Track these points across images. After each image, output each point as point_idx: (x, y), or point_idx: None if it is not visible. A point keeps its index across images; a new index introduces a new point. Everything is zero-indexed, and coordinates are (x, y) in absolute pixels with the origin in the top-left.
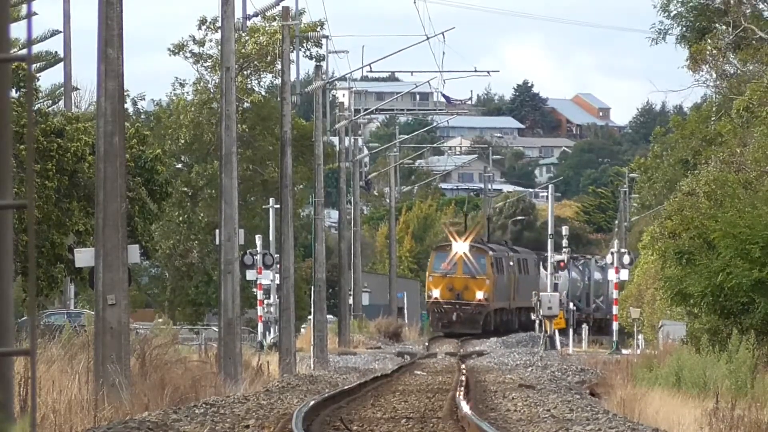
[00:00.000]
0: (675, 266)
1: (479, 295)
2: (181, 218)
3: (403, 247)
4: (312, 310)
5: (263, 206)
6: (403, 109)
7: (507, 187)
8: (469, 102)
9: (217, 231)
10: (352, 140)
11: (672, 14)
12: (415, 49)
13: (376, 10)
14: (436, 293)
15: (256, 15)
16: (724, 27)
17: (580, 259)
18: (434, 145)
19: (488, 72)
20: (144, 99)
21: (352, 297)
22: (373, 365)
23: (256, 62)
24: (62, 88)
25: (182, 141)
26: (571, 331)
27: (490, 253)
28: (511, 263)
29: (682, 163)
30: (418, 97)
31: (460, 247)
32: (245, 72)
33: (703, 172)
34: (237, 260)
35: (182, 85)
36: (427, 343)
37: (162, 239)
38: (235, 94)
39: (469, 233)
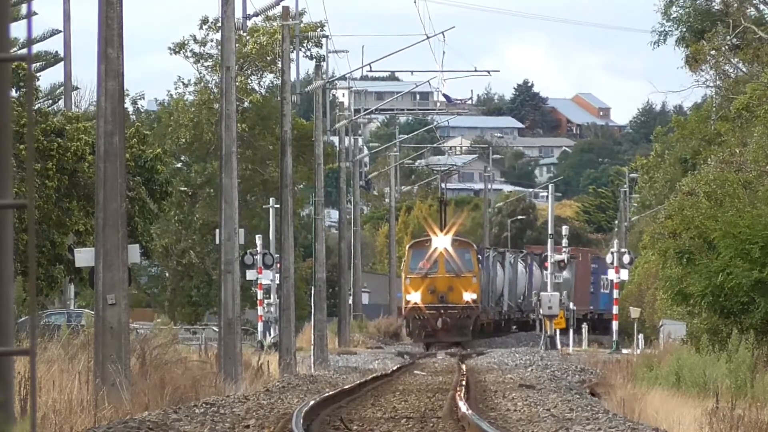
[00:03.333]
0: (675, 266)
1: (467, 296)
2: (176, 217)
3: (403, 247)
4: (312, 310)
5: (263, 206)
6: (403, 109)
7: (507, 187)
8: (469, 102)
9: (217, 231)
10: (352, 140)
11: (672, 17)
12: (415, 49)
13: (376, 10)
14: (415, 297)
15: (256, 15)
16: (723, 28)
17: (524, 253)
18: (434, 145)
19: (488, 72)
20: (143, 98)
21: (352, 297)
22: (373, 365)
23: (256, 62)
24: (62, 88)
25: (182, 140)
26: (571, 331)
27: (476, 247)
28: None
29: (682, 162)
30: (418, 96)
31: (441, 241)
32: (246, 72)
33: (703, 172)
34: (237, 260)
35: (185, 85)
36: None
37: (157, 238)
38: (236, 94)
39: (451, 225)
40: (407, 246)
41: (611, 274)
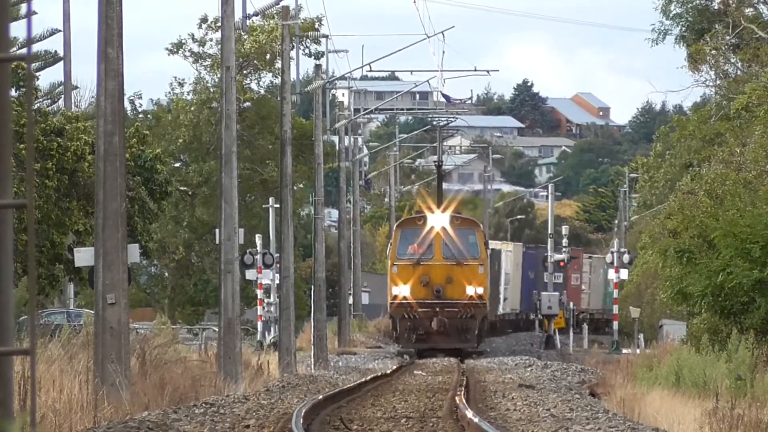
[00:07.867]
0: (675, 266)
1: (471, 290)
2: (169, 215)
3: None
4: (312, 309)
5: (263, 206)
6: (403, 109)
7: (507, 187)
8: (469, 101)
9: (217, 231)
10: (352, 139)
11: (671, 15)
12: (415, 48)
13: (376, 9)
14: (404, 291)
15: (256, 14)
16: (723, 28)
17: None
18: (434, 144)
19: (488, 71)
20: (141, 98)
21: (352, 297)
22: (372, 365)
23: (256, 62)
24: (62, 87)
25: (180, 141)
26: (571, 330)
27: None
28: None
29: (687, 167)
30: (418, 96)
31: (438, 219)
32: (244, 71)
33: (705, 171)
34: (237, 260)
35: (181, 85)
36: None
37: (153, 234)
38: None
39: (450, 201)
40: (395, 225)
41: (611, 274)
